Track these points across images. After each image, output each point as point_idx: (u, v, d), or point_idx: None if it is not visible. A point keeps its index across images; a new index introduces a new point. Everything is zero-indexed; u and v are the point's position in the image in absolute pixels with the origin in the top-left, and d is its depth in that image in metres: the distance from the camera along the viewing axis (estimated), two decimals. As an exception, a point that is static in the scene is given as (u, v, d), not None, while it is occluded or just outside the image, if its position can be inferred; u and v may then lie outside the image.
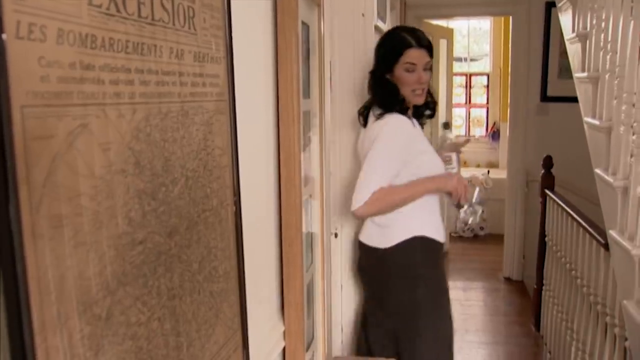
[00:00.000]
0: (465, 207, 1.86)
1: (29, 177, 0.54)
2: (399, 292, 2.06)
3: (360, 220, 2.20)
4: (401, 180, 2.00)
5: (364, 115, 2.16)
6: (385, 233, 2.08)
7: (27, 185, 0.54)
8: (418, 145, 2.06)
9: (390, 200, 1.96)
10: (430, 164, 2.08)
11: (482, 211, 5.18)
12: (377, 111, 2.07)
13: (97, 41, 0.65)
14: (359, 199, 1.91)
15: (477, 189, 4.34)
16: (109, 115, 0.67)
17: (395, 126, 2.00)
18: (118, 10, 0.68)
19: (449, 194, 2.01)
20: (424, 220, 2.08)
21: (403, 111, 2.05)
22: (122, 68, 0.69)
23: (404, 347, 2.09)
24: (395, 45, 2.05)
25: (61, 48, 0.59)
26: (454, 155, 2.21)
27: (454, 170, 2.17)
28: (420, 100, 2.07)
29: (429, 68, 2.05)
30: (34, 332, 0.54)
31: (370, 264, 2.19)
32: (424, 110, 2.21)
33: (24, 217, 0.53)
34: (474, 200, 4.53)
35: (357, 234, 2.37)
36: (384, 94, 2.07)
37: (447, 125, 4.50)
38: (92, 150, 0.64)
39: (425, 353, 2.07)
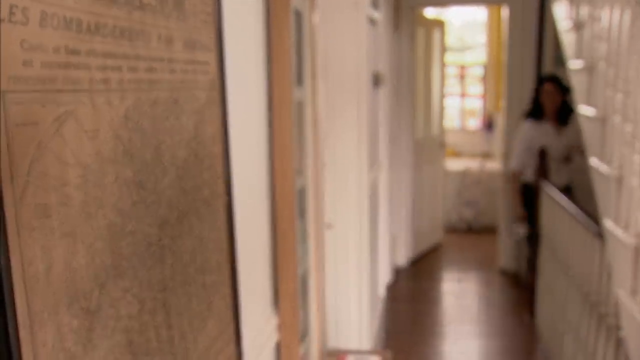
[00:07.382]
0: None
1: (12, 165, 0.52)
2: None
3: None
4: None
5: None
6: None
7: (10, 174, 0.52)
8: (531, 139, 4.01)
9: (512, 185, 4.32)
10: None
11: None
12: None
13: (83, 25, 0.62)
14: (512, 164, 4.23)
15: None
16: (96, 102, 0.65)
17: (521, 129, 4.16)
18: (104, -6, 0.66)
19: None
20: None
21: (539, 116, 4.08)
22: (109, 53, 0.67)
23: None
24: (540, 81, 4.26)
25: (45, 32, 0.56)
26: None
27: None
28: (554, 107, 4.03)
29: (557, 92, 4.03)
30: (18, 326, 0.52)
31: None
32: (566, 114, 4.00)
33: (7, 207, 0.51)
34: None
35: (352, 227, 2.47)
36: (532, 107, 4.14)
37: None
38: (78, 138, 0.62)
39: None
